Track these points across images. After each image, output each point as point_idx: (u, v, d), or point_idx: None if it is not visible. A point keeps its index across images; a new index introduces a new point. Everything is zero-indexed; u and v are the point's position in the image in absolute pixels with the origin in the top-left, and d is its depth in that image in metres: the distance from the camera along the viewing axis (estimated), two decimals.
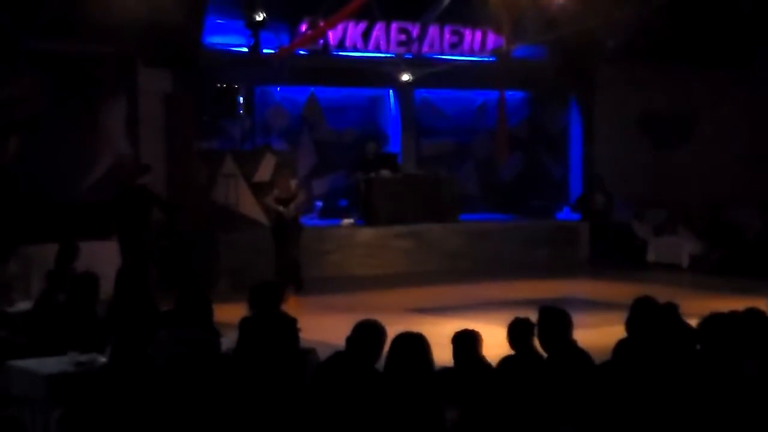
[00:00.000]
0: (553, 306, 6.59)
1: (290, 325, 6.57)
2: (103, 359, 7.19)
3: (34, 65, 16.04)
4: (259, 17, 17.29)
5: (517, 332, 6.53)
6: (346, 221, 18.63)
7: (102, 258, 12.48)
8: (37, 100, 16.10)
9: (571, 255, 19.48)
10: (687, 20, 19.83)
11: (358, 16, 18.80)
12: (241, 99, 18.03)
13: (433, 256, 18.34)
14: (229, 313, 7.95)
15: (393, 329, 5.97)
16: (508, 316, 6.75)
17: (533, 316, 6.53)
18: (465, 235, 18.85)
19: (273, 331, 6.59)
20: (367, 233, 18.09)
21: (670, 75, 21.33)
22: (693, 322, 6.35)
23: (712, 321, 5.87)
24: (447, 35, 20.41)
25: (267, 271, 14.53)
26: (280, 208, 15.05)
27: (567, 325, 6.41)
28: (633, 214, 20.16)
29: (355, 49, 19.60)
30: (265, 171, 17.77)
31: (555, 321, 6.40)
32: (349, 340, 6.00)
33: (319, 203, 19.55)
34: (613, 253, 19.35)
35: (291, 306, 9.39)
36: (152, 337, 6.83)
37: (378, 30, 19.67)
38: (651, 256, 19.26)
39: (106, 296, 8.62)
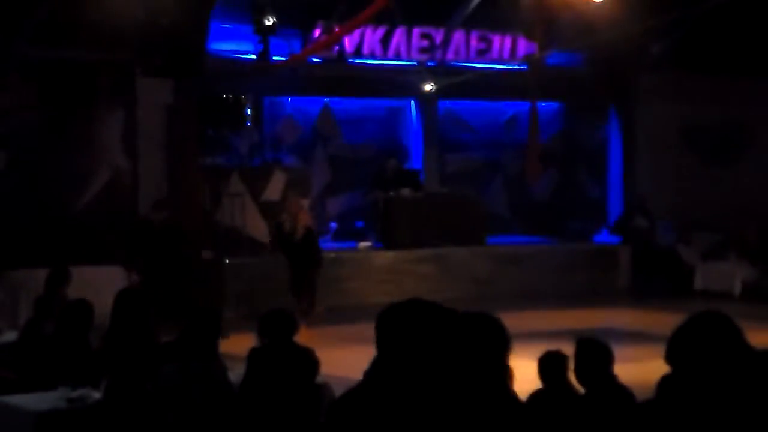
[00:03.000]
0: (592, 337, 6.56)
1: (306, 357, 6.56)
2: (97, 395, 7.19)
3: (25, 73, 16.14)
4: (269, 22, 17.35)
5: (548, 366, 6.51)
6: (363, 244, 18.65)
7: (97, 284, 12.49)
8: (27, 110, 16.20)
9: (611, 282, 19.42)
10: (737, 25, 19.81)
11: (376, 21, 18.84)
12: (249, 111, 18.09)
13: (457, 283, 18.30)
14: (235, 344, 7.95)
15: None
16: (541, 350, 6.72)
17: (568, 349, 6.50)
18: (493, 259, 18.83)
19: (286, 363, 6.58)
20: (385, 257, 18.09)
21: (719, 85, 21.27)
22: None
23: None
24: (474, 41, 20.47)
25: (277, 299, 14.54)
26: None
27: (607, 359, 6.38)
28: (678, 238, 20.09)
29: (374, 57, 19.67)
30: (274, 189, 17.82)
31: (593, 353, 6.38)
32: (367, 374, 5.98)
33: (334, 224, 19.60)
34: (656, 280, 19.26)
35: (303, 337, 9.37)
36: (151, 371, 6.83)
37: (398, 36, 19.73)
38: (699, 284, 19.18)
39: (100, 325, 8.63)
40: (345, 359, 10.79)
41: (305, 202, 15.75)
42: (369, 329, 14.32)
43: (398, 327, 4.25)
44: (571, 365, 6.41)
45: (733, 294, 18.59)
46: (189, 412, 6.48)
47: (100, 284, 12.66)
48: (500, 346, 4.82)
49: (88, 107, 16.63)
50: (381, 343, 4.32)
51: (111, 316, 8.15)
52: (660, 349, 7.72)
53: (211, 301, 14.57)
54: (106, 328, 8.31)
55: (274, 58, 18.03)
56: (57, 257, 13.01)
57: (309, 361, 6.55)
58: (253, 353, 7.04)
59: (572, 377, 6.41)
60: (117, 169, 16.78)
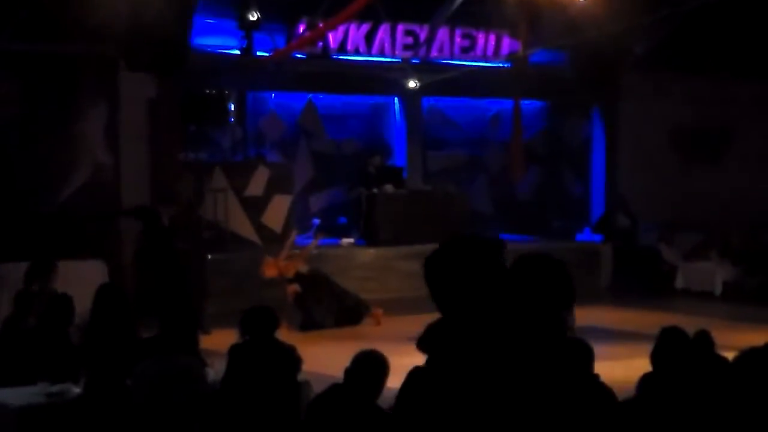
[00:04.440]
0: (573, 337, 6.56)
1: (288, 354, 6.56)
2: (77, 390, 7.18)
3: (7, 67, 16.08)
4: (253, 17, 17.30)
5: None
6: (346, 240, 18.64)
7: (77, 279, 12.44)
8: (8, 104, 16.14)
9: (593, 280, 19.44)
10: (721, 27, 19.87)
11: (360, 17, 18.84)
12: (232, 106, 18.07)
13: None
14: (217, 340, 7.94)
15: (395, 360, 5.96)
16: None
17: None
18: None
19: (267, 360, 6.57)
20: (368, 254, 18.09)
21: (702, 85, 21.35)
22: (727, 356, 6.33)
23: (750, 356, 5.83)
24: (458, 38, 20.47)
25: (260, 295, 14.53)
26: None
27: (588, 359, 6.38)
28: (660, 237, 20.15)
29: (358, 53, 19.66)
30: (257, 185, 17.82)
31: (575, 354, 6.37)
32: (347, 372, 5.99)
33: (317, 221, 19.58)
34: (637, 279, 19.33)
35: (283, 334, 9.37)
36: (131, 366, 6.81)
37: (382, 32, 19.72)
38: (680, 283, 19.25)
39: (80, 320, 8.61)
40: (327, 356, 10.82)
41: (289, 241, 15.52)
42: (350, 326, 14.32)
43: (451, 271, 3.65)
44: None
45: (714, 294, 18.66)
46: (167, 407, 6.46)
47: (80, 279, 12.62)
48: (564, 294, 4.30)
49: (70, 101, 16.57)
50: (436, 294, 3.69)
51: (91, 311, 8.13)
52: (640, 349, 7.76)
53: (193, 296, 14.56)
54: (86, 322, 8.29)
55: (258, 53, 18.00)
56: (38, 251, 12.95)
57: (291, 358, 6.55)
58: (233, 350, 7.03)
59: None
60: (99, 163, 16.73)
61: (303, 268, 14.91)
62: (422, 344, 3.69)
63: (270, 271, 14.81)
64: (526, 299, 3.89)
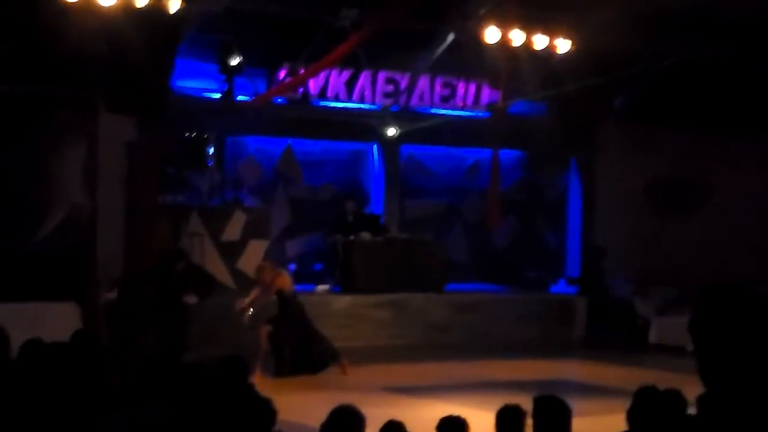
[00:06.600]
0: (551, 395, 6.58)
1: (263, 406, 6.53)
2: None
3: None
4: (235, 62, 17.38)
5: (506, 420, 6.51)
6: (321, 287, 18.63)
7: (50, 321, 12.39)
8: None
9: (566, 333, 19.48)
10: (697, 83, 20.11)
11: (342, 64, 18.97)
12: (211, 150, 18.10)
13: (415, 329, 18.32)
14: None
15: (369, 411, 5.98)
16: (497, 400, 6.75)
17: (524, 401, 6.52)
18: (451, 306, 18.86)
19: (242, 412, 6.55)
20: (343, 301, 18.07)
21: (680, 140, 21.54)
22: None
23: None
24: (438, 87, 20.61)
25: (236, 340, 14.50)
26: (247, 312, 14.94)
27: (566, 418, 6.40)
28: (635, 290, 20.21)
29: (338, 99, 19.76)
30: (233, 230, 17.81)
31: (553, 413, 6.39)
32: (323, 428, 5.98)
33: (292, 266, 19.56)
34: (611, 333, 19.35)
35: (257, 382, 9.36)
36: (104, 414, 6.77)
37: (363, 79, 19.83)
38: (653, 337, 19.28)
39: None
40: (302, 405, 10.80)
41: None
42: (324, 374, 14.26)
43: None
44: (529, 421, 6.42)
45: (687, 349, 18.69)
46: None
47: (53, 321, 12.56)
48: None
49: (48, 142, 16.55)
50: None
51: (65, 358, 8.08)
52: (614, 404, 7.77)
53: (173, 343, 14.48)
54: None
55: (239, 97, 18.06)
56: (10, 293, 12.88)
57: (266, 411, 6.52)
58: (207, 401, 6.99)
59: None
60: (75, 205, 16.67)
61: (288, 290, 14.89)
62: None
63: (265, 274, 14.82)
64: None
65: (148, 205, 16.92)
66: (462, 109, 20.76)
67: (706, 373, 3.17)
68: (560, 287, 21.05)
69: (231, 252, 17.74)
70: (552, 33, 17.93)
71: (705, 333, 3.16)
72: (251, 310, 14.75)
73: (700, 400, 3.32)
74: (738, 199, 22.09)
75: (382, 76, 20.01)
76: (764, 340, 3.11)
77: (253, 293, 14.86)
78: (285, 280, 14.96)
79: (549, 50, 18.17)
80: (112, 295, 15.41)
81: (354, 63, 19.17)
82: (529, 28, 17.67)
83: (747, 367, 3.08)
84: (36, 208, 16.40)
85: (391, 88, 20.18)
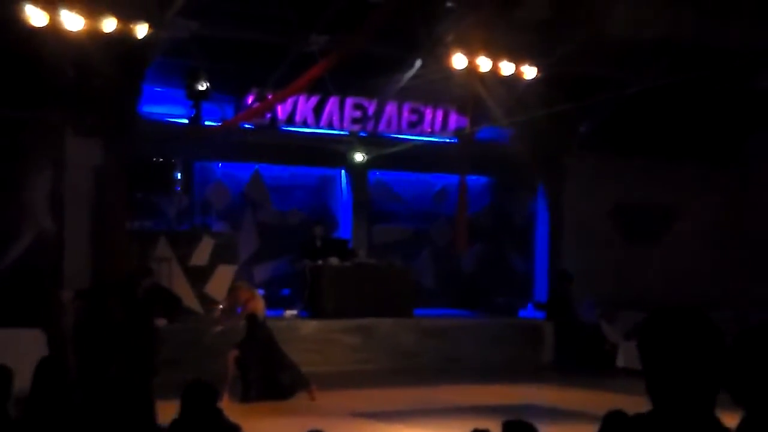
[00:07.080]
0: (520, 420, 6.60)
1: (232, 431, 6.53)
2: None
3: None
4: (202, 87, 17.37)
5: None
6: (289, 312, 18.60)
7: (17, 348, 12.29)
8: None
9: (535, 357, 19.53)
10: (661, 110, 20.34)
11: (310, 90, 19.01)
12: (179, 174, 18.07)
13: (383, 354, 18.30)
14: (161, 413, 7.88)
15: None
16: (466, 425, 6.78)
17: (494, 425, 6.54)
18: (419, 331, 18.87)
19: None
20: (311, 326, 18.04)
21: (645, 166, 21.73)
22: None
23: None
24: (406, 113, 20.69)
25: (205, 365, 14.44)
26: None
27: None
28: (602, 315, 20.29)
29: (306, 125, 19.79)
30: (201, 255, 17.76)
31: None
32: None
33: (261, 291, 19.51)
34: (579, 357, 19.42)
35: (225, 407, 9.32)
36: None
37: (331, 105, 19.88)
38: (621, 362, 19.36)
39: (19, 394, 8.47)
40: (271, 431, 10.76)
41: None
42: (293, 399, 14.20)
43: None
44: None
45: None
46: None
47: (20, 348, 12.46)
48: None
49: (14, 166, 16.46)
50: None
51: (31, 384, 8.03)
52: (582, 428, 7.83)
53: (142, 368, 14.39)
54: (26, 397, 8.18)
55: (206, 122, 18.05)
56: None
57: None
58: (174, 425, 6.97)
59: None
60: (42, 229, 16.58)
61: (260, 314, 14.86)
62: None
63: (243, 294, 14.81)
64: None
65: (115, 229, 16.82)
66: (430, 134, 20.84)
67: (653, 390, 3.39)
68: (528, 312, 21.11)
69: (199, 277, 17.71)
70: (518, 60, 18.07)
71: (651, 352, 3.34)
72: (224, 323, 14.84)
73: (645, 418, 3.50)
74: (701, 222, 22.30)
75: (349, 101, 20.07)
76: (707, 360, 3.29)
77: (225, 304, 14.95)
78: (259, 304, 14.94)
79: (516, 77, 18.30)
80: (79, 317, 15.30)
81: (322, 89, 19.22)
82: (496, 54, 17.80)
83: (690, 385, 3.27)
84: (3, 233, 16.29)
85: (359, 113, 20.25)
